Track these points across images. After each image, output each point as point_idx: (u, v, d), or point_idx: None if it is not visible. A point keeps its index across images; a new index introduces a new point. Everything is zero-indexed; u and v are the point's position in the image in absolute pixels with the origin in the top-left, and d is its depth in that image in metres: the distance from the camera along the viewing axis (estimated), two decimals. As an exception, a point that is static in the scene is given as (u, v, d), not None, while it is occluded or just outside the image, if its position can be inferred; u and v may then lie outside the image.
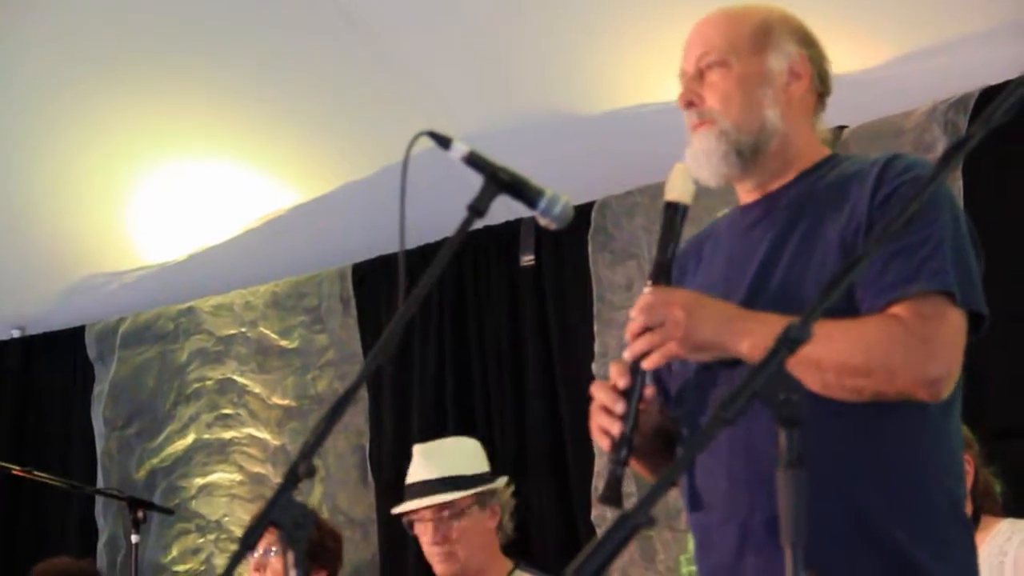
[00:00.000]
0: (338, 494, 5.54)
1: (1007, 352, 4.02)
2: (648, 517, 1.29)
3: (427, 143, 1.88)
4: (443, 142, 1.88)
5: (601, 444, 2.16)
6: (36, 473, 4.88)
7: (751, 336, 2.05)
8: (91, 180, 5.43)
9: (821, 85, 2.31)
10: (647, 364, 2.12)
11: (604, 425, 2.14)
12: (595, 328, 4.90)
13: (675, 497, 2.59)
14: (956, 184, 4.10)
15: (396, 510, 4.02)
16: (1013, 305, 4.06)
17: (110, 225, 5.64)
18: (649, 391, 2.17)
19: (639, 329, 2.12)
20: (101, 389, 6.15)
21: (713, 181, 2.27)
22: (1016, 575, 3.42)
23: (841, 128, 4.28)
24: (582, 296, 4.96)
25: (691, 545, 4.51)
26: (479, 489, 3.92)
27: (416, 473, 3.99)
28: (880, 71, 4.16)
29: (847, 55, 4.09)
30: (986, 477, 3.49)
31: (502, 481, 4.04)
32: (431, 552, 3.94)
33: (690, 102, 2.26)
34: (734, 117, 2.22)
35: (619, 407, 2.12)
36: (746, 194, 2.30)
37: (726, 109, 2.23)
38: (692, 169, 2.24)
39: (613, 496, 2.08)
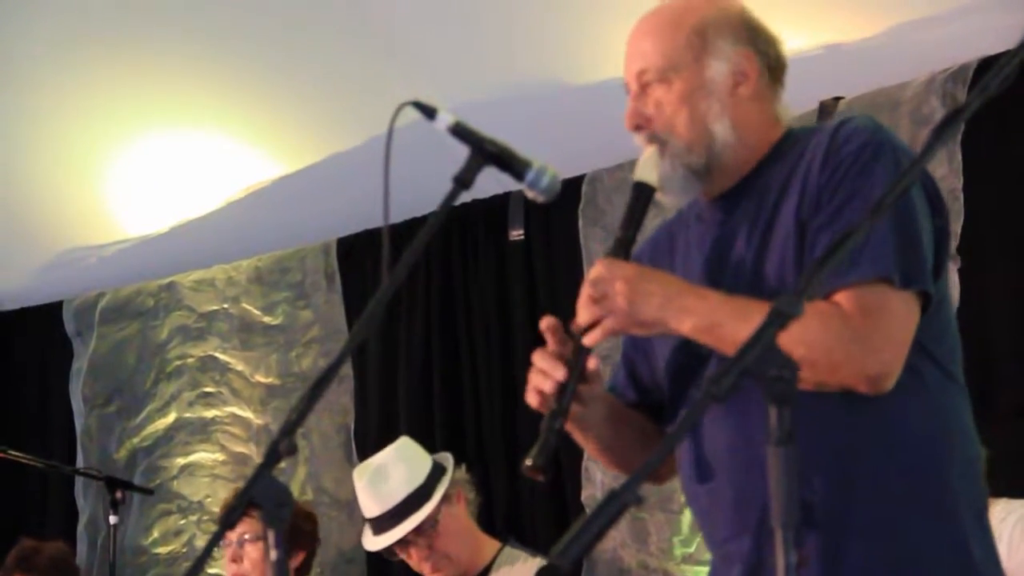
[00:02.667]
0: (323, 474, 5.54)
1: (1015, 328, 4.03)
2: (636, 496, 1.29)
3: (412, 114, 1.88)
4: (428, 112, 1.88)
5: (530, 401, 2.17)
6: (12, 453, 4.88)
7: (693, 315, 2.06)
8: (70, 151, 5.42)
9: (772, 74, 2.26)
10: (588, 340, 2.13)
11: (537, 383, 2.15)
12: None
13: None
14: (956, 158, 4.11)
15: (371, 548, 4.04)
16: (1018, 281, 4.07)
17: (89, 197, 5.63)
18: (592, 363, 2.17)
19: (585, 300, 2.12)
20: (80, 366, 6.15)
21: (678, 201, 2.28)
22: (1010, 556, 3.43)
23: (837, 99, 4.28)
24: (572, 271, 4.95)
25: (684, 527, 4.52)
26: (439, 493, 3.93)
27: (371, 507, 3.98)
28: (877, 41, 4.16)
29: (844, 25, 4.10)
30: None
31: (450, 465, 4.04)
32: (423, 568, 3.98)
33: (637, 126, 2.24)
34: (683, 137, 2.20)
35: (559, 373, 2.13)
36: (708, 194, 2.28)
37: (672, 130, 2.21)
38: (658, 192, 2.23)
39: (543, 464, 2.09)
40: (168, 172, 5.47)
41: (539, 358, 2.17)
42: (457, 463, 4.09)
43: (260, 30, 4.83)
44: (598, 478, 4.77)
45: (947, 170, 4.08)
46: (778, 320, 1.30)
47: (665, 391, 2.30)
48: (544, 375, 2.15)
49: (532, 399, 2.17)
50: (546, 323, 2.18)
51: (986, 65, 4.08)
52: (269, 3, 4.73)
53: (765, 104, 2.25)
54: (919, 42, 4.16)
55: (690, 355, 2.19)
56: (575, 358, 2.14)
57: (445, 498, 3.94)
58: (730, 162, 2.22)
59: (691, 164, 2.20)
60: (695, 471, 2.21)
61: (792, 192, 2.13)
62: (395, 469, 3.96)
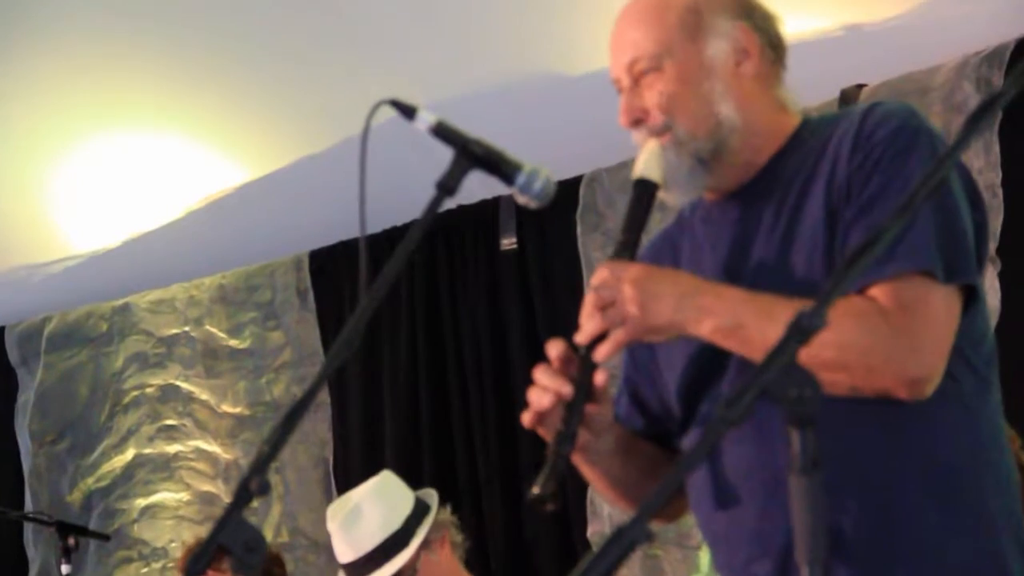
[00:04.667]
0: (299, 514, 5.54)
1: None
2: (646, 532, 1.30)
3: (390, 112, 1.88)
4: (407, 111, 1.89)
5: (525, 422, 2.16)
6: (-48, 497, 4.88)
7: (713, 315, 2.05)
8: (7, 156, 5.42)
9: (774, 51, 2.27)
10: (599, 355, 2.11)
11: (538, 403, 2.14)
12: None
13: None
14: (993, 150, 4.12)
15: None
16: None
17: (30, 209, 5.63)
18: (600, 378, 2.15)
19: (591, 308, 2.11)
20: (26, 399, 6.14)
21: (684, 198, 2.28)
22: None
23: (860, 87, 4.29)
24: (571, 282, 4.96)
25: (703, 564, 4.53)
26: (418, 539, 3.92)
27: (344, 551, 3.97)
28: (903, 21, 4.17)
29: (866, 4, 4.11)
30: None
31: (434, 503, 4.03)
32: None
33: (635, 120, 2.24)
34: (685, 123, 2.21)
35: (565, 389, 2.11)
36: (716, 192, 2.28)
37: (675, 115, 2.21)
38: (660, 192, 2.23)
39: (552, 493, 2.07)
40: (119, 180, 5.47)
41: (541, 374, 2.16)
42: (448, 497, 4.09)
43: (219, 20, 4.84)
44: (605, 511, 4.78)
45: (984, 163, 4.10)
46: (798, 335, 1.30)
47: (677, 408, 2.30)
48: (544, 392, 2.14)
49: (529, 419, 2.16)
50: (552, 348, 2.17)
51: (1024, 46, 4.10)
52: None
53: (769, 86, 2.27)
54: (950, 21, 4.17)
55: (705, 366, 2.19)
56: (581, 375, 2.13)
57: (425, 544, 3.93)
58: (738, 149, 2.22)
59: (698, 151, 2.20)
60: (713, 494, 2.21)
61: (819, 182, 2.13)
62: (371, 509, 3.94)
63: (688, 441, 2.28)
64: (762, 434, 2.04)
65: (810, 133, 2.23)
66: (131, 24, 4.86)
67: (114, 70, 5.00)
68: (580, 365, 2.13)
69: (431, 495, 4.08)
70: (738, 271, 2.18)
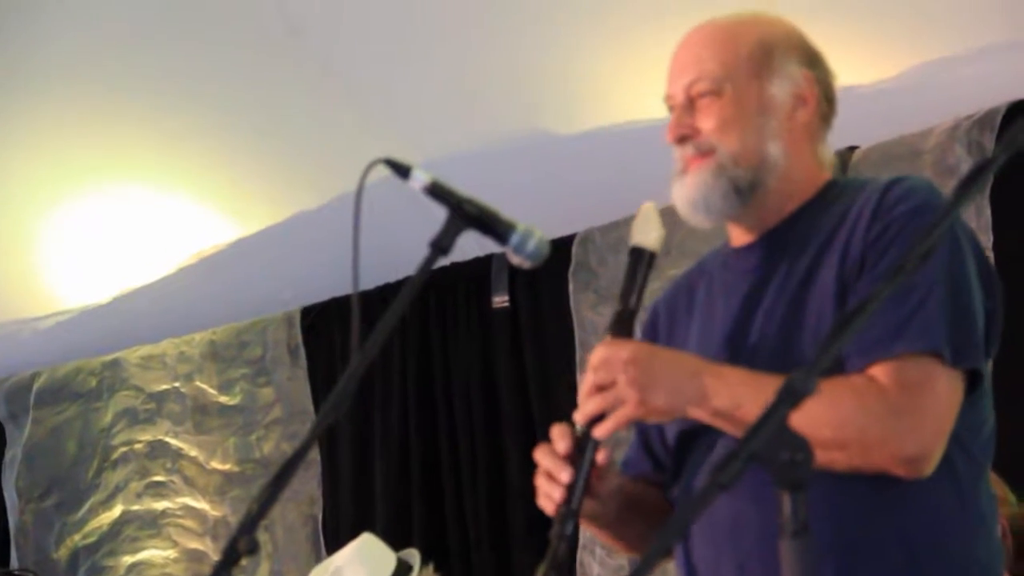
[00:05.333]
0: (287, 572, 5.52)
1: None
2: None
3: (385, 171, 1.89)
4: (401, 171, 1.89)
5: (543, 507, 2.16)
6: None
7: (712, 398, 2.06)
8: (-2, 211, 5.42)
9: (827, 106, 2.30)
10: (599, 432, 2.11)
11: (547, 491, 2.14)
12: (579, 378, 4.90)
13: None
14: (984, 214, 4.13)
15: None
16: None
17: (21, 264, 5.62)
18: (602, 456, 2.16)
19: (590, 389, 2.11)
20: (14, 454, 6.11)
21: (709, 222, 2.26)
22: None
23: (851, 149, 4.31)
24: (563, 342, 4.96)
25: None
26: None
27: None
28: (895, 83, 4.20)
29: (858, 65, 4.13)
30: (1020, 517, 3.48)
31: (416, 564, 4.02)
32: None
33: (683, 135, 2.24)
34: (732, 148, 2.21)
35: (564, 476, 2.12)
36: (740, 234, 2.30)
37: (723, 138, 2.21)
38: (682, 211, 2.23)
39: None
40: (110, 235, 5.47)
41: (542, 457, 2.16)
42: (439, 559, 4.07)
43: (213, 76, 4.85)
44: (595, 572, 4.76)
45: (975, 226, 4.11)
46: (789, 399, 1.31)
47: (671, 457, 2.30)
48: (552, 484, 2.13)
49: (545, 505, 2.15)
50: (556, 432, 2.16)
51: (1016, 110, 4.11)
52: (224, 48, 4.75)
53: (816, 139, 2.29)
54: (942, 84, 4.19)
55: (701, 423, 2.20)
56: (581, 453, 2.13)
57: None
58: (773, 190, 2.23)
59: (736, 179, 2.20)
60: (691, 550, 2.21)
61: (835, 249, 2.14)
62: (353, 573, 3.93)
63: (676, 492, 2.29)
64: (747, 495, 2.04)
65: (836, 195, 2.24)
66: (124, 79, 4.87)
67: (107, 125, 5.01)
68: (578, 443, 2.13)
69: (413, 555, 4.07)
70: (746, 328, 2.18)
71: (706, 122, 2.23)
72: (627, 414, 2.09)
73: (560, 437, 2.15)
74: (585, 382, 2.12)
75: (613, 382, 2.09)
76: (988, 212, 4.13)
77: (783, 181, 2.23)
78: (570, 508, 2.11)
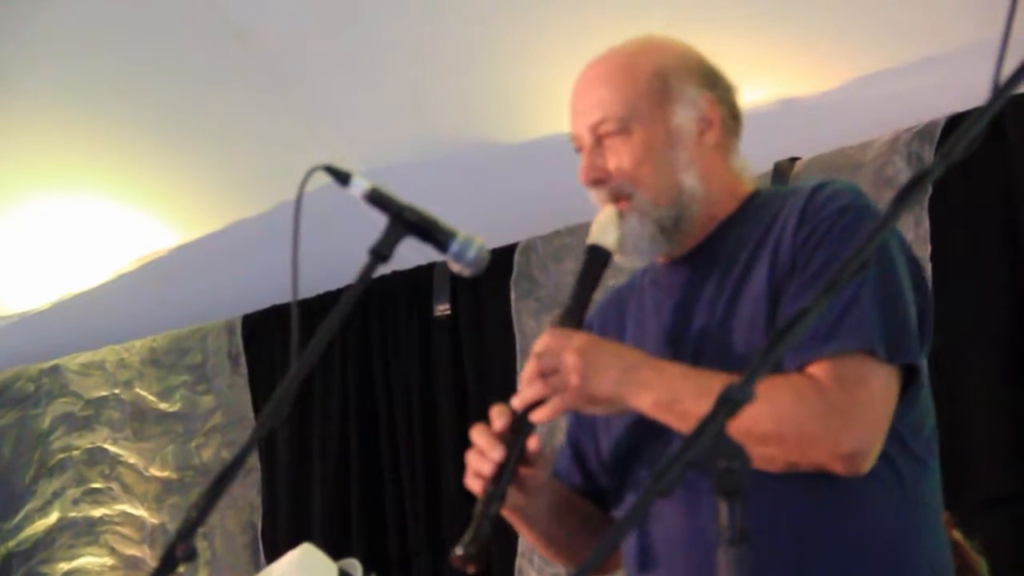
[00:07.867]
0: (226, 580, 5.50)
1: (989, 412, 4.07)
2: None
3: (325, 178, 1.89)
4: (341, 177, 1.89)
5: (473, 489, 2.17)
6: None
7: (651, 390, 2.08)
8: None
9: (733, 122, 2.31)
10: (537, 416, 2.13)
11: (477, 467, 2.15)
12: (519, 385, 4.91)
13: None
14: (923, 225, 4.16)
15: None
16: (991, 361, 4.11)
17: (-41, 270, 5.58)
18: (533, 443, 2.17)
19: (531, 375, 2.12)
20: (-51, 461, 6.07)
21: (640, 262, 2.30)
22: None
23: (793, 160, 4.33)
24: (504, 350, 4.97)
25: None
26: None
27: None
28: (836, 95, 4.22)
29: (799, 77, 4.16)
30: (966, 552, 3.50)
31: (357, 574, 4.00)
32: None
33: (596, 179, 2.25)
34: (648, 191, 2.23)
35: (495, 454, 2.13)
36: (667, 255, 2.31)
37: (638, 182, 2.23)
38: (615, 255, 2.24)
39: (475, 554, 2.07)
40: (50, 241, 5.43)
41: (478, 435, 2.17)
42: (379, 567, 4.05)
43: (153, 82, 4.82)
44: (534, 580, 4.76)
45: (913, 236, 4.14)
46: (726, 407, 1.32)
47: (611, 473, 2.30)
48: (482, 458, 2.14)
49: (472, 483, 2.16)
50: (496, 412, 2.17)
51: (955, 123, 4.15)
52: (164, 50, 4.72)
53: (728, 155, 2.30)
54: (883, 97, 4.22)
55: (645, 435, 2.20)
56: (515, 436, 2.14)
57: None
58: (697, 217, 2.24)
59: (660, 219, 2.22)
60: (638, 559, 2.21)
61: (764, 256, 2.16)
62: None
63: (621, 511, 2.29)
64: (690, 505, 2.05)
65: (760, 204, 2.26)
66: (61, 84, 4.84)
67: (45, 130, 4.97)
68: (514, 427, 2.14)
69: (354, 565, 4.05)
70: (680, 338, 2.20)
71: (617, 162, 2.24)
72: (567, 401, 2.11)
73: (497, 416, 2.16)
74: (527, 368, 2.13)
75: (555, 369, 2.10)
76: (927, 223, 4.17)
77: (704, 204, 2.25)
78: (497, 488, 2.11)
